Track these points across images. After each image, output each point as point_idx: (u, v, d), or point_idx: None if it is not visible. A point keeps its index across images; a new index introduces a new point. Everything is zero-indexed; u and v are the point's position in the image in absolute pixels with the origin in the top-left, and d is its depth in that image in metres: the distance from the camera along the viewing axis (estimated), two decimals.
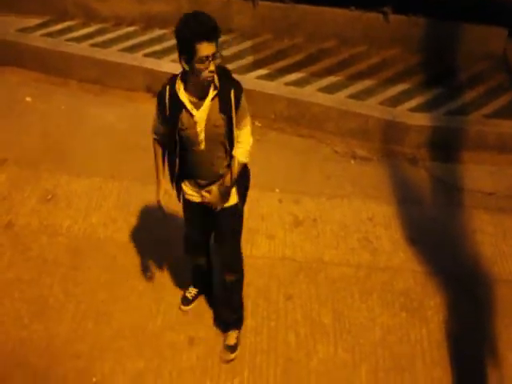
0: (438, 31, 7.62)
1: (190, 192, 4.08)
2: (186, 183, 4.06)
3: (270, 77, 7.16)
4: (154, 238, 5.43)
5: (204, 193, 3.95)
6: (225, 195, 3.95)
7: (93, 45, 7.59)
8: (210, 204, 3.95)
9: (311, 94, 6.87)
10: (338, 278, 5.18)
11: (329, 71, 7.38)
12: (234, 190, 4.00)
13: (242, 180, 4.04)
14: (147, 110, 6.97)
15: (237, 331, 4.64)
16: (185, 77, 3.58)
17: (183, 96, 3.59)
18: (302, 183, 6.07)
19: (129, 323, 4.75)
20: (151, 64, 7.32)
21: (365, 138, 6.71)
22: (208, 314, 4.86)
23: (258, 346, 4.64)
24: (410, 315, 4.91)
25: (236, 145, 3.78)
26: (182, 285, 5.02)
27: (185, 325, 4.77)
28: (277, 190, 5.91)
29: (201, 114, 3.61)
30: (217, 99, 3.59)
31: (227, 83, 3.61)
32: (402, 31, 7.71)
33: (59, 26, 7.91)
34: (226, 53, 7.47)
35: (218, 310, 4.83)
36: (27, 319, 4.74)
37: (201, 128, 3.64)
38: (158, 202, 4.15)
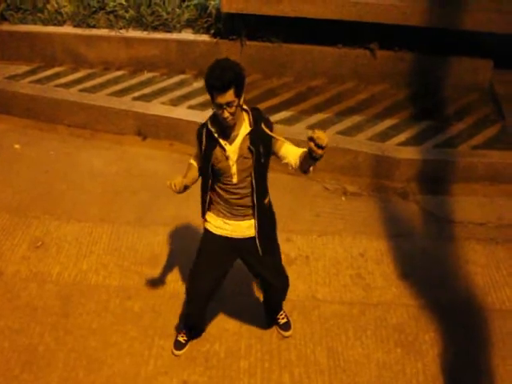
0: (424, 65, 7.69)
1: (219, 225, 4.22)
2: (214, 216, 4.22)
3: None
4: (145, 282, 5.39)
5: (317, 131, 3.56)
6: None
7: (81, 90, 7.61)
8: (321, 143, 3.51)
9: (300, 131, 6.88)
10: (331, 316, 5.14)
11: (318, 108, 7.42)
12: (252, 223, 4.17)
13: (268, 218, 4.27)
14: (137, 153, 7.09)
15: (283, 310, 4.97)
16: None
17: (215, 133, 3.88)
18: (292, 221, 6.06)
19: (121, 369, 4.69)
20: (140, 107, 7.34)
21: (355, 173, 6.72)
22: (201, 357, 4.80)
23: None
24: (405, 350, 4.87)
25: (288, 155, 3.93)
26: (174, 329, 4.98)
27: (177, 369, 4.71)
28: None
29: (233, 149, 3.87)
30: (248, 136, 3.86)
31: (258, 120, 3.88)
32: (389, 67, 7.78)
33: (48, 72, 7.96)
34: None
35: (265, 310, 4.94)
36: (18, 370, 4.67)
37: (233, 161, 3.89)
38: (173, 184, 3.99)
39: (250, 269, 4.49)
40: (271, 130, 3.87)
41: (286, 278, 4.58)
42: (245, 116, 3.89)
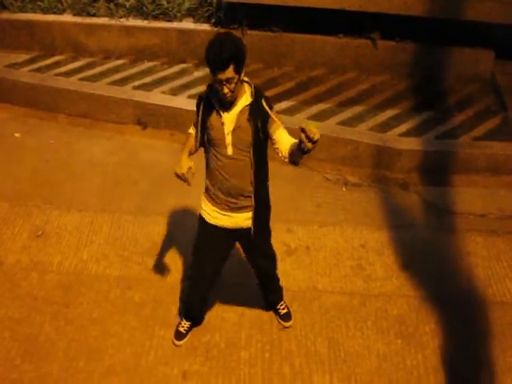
0: (425, 56, 7.66)
1: (214, 215, 4.18)
2: (210, 206, 4.18)
3: None
4: (146, 272, 5.40)
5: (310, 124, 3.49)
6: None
7: (82, 79, 7.60)
8: (311, 136, 3.35)
9: (301, 121, 6.84)
10: (331, 307, 5.14)
11: (319, 99, 7.39)
12: (251, 215, 4.13)
13: (265, 209, 4.27)
14: (137, 142, 7.07)
15: (283, 301, 5.00)
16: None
17: (213, 99, 3.85)
18: (293, 211, 6.05)
19: (121, 359, 4.69)
20: (141, 96, 7.32)
21: (356, 164, 6.70)
22: (201, 347, 4.80)
23: (253, 379, 4.58)
24: (406, 341, 4.86)
25: (281, 140, 3.84)
26: (174, 318, 4.98)
27: (178, 359, 4.71)
28: None
29: (230, 117, 3.83)
30: (247, 108, 3.81)
31: (259, 95, 3.85)
32: (390, 57, 7.75)
33: (48, 61, 7.94)
34: None
35: (263, 294, 4.96)
36: (18, 359, 4.67)
37: (228, 130, 3.84)
38: (179, 174, 4.02)
39: (243, 250, 4.54)
40: (270, 109, 3.83)
41: (274, 261, 4.68)
42: (246, 88, 3.85)
